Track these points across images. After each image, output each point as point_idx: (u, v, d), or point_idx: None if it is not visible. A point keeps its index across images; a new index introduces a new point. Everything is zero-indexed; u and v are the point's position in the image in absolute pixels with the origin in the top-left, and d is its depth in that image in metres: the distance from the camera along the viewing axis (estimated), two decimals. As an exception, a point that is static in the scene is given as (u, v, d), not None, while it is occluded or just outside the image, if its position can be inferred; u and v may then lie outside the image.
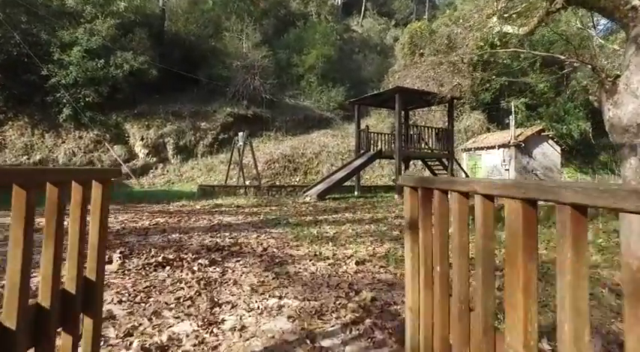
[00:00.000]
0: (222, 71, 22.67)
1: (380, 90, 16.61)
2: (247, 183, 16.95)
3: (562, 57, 13.21)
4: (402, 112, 13.72)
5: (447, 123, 15.48)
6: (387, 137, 15.87)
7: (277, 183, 17.73)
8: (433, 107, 22.82)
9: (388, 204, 11.69)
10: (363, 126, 16.07)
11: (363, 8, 42.01)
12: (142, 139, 19.19)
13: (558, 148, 20.07)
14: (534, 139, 19.19)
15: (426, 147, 14.60)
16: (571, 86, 25.85)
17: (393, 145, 15.43)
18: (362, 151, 14.83)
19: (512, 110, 20.16)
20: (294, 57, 27.26)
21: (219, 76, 22.60)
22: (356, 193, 14.93)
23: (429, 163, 15.81)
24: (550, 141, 19.90)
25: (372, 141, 15.13)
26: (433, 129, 14.75)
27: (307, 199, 12.13)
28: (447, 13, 24.47)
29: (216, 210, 9.20)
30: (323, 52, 26.61)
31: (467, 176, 16.17)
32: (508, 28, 14.66)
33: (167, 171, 19.22)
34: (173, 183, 18.33)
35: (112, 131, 18.87)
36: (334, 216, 8.37)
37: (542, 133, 19.56)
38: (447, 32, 24.35)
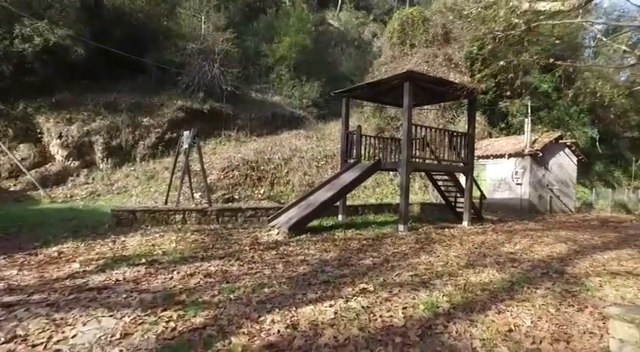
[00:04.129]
0: (175, 56, 18.32)
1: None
2: (198, 195, 12.83)
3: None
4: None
5: (467, 127, 11.87)
6: (387, 142, 12.12)
7: (233, 204, 13.67)
8: (426, 106, 19.45)
9: (396, 241, 7.92)
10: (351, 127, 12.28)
11: (340, 1, 38.74)
12: (61, 137, 14.62)
13: (575, 159, 17.00)
14: (551, 148, 16.00)
15: (433, 156, 10.95)
16: (575, 88, 23.18)
17: (393, 154, 11.72)
18: (352, 160, 11.00)
19: (529, 112, 16.92)
20: (263, 46, 23.21)
21: (169, 61, 18.24)
22: (340, 218, 11.09)
23: (436, 177, 12.18)
24: (567, 151, 16.79)
25: (366, 147, 11.35)
26: (447, 134, 11.09)
27: (274, 233, 8.17)
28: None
29: (94, 283, 5.12)
30: (297, 40, 22.67)
31: (483, 197, 12.64)
32: (543, 5, 11.33)
33: (93, 179, 14.73)
34: (99, 195, 13.89)
35: (16, 125, 14.24)
36: (330, 292, 4.48)
37: (560, 141, 16.40)
38: (442, 21, 21.04)
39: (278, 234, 8.16)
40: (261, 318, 3.62)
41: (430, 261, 6.29)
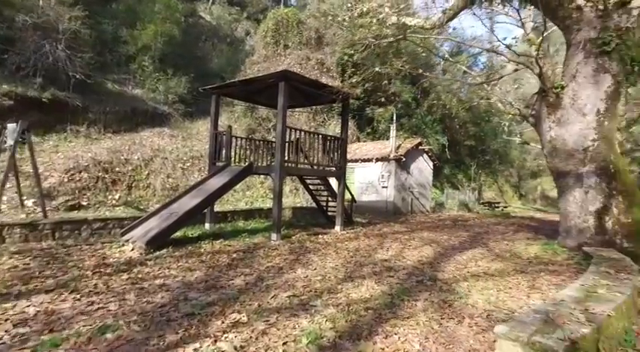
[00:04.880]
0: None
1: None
2: (31, 202, 10.46)
3: (505, 55, 11.07)
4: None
5: (340, 131, 11.89)
6: (259, 145, 11.50)
7: (76, 214, 11.57)
8: (298, 109, 19.45)
9: (269, 252, 7.37)
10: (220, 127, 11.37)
11: (212, -7, 36.88)
12: None
13: (431, 163, 18.77)
14: (412, 153, 17.34)
15: (306, 160, 10.74)
16: (429, 99, 25.82)
17: (266, 157, 11.16)
18: (221, 163, 10.12)
19: (394, 119, 18.02)
20: (123, 32, 20.49)
21: (-7, 35, 14.76)
22: (207, 226, 10.13)
23: (307, 180, 12.02)
24: (425, 156, 18.42)
25: (236, 150, 10.57)
26: (320, 137, 10.95)
27: (128, 250, 6.91)
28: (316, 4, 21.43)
29: None
30: (164, 29, 20.58)
31: (353, 200, 12.94)
32: (410, 20, 12.03)
33: None
34: None
35: None
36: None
37: (420, 147, 17.89)
38: (316, 25, 21.30)
39: (133, 249, 6.91)
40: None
41: (307, 275, 5.89)
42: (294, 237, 9.17)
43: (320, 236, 9.62)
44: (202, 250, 7.35)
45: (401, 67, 12.53)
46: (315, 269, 6.31)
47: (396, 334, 3.74)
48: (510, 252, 8.05)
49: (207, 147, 11.72)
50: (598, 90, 8.13)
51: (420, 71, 13.78)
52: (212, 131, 10.58)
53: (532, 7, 10.14)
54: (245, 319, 3.98)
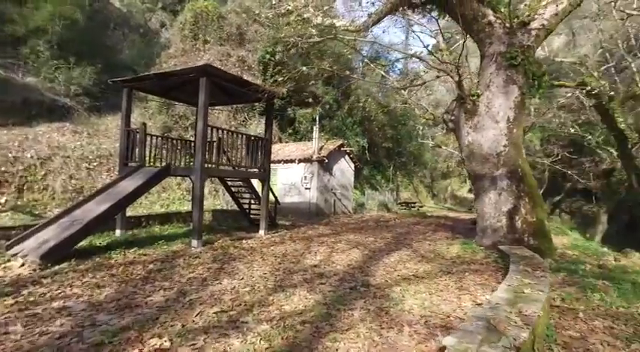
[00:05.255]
0: None
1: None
2: None
3: (428, 61, 11.35)
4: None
5: (264, 131, 11.41)
6: (177, 144, 10.64)
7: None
8: (218, 107, 18.61)
9: (191, 261, 6.76)
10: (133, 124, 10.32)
11: (122, -21, 33.97)
12: None
13: (352, 165, 19.07)
14: (335, 155, 17.45)
15: (229, 161, 10.17)
16: (350, 102, 26.32)
17: (184, 158, 10.36)
18: (135, 164, 9.16)
19: (317, 120, 17.95)
20: (9, 9, 17.88)
21: None
22: (118, 233, 9.12)
23: (229, 182, 11.41)
24: (347, 157, 18.66)
25: (151, 149, 9.64)
26: (243, 137, 10.39)
27: (17, 266, 5.86)
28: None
29: None
30: (63, 11, 18.37)
31: (277, 202, 12.55)
32: (335, 21, 11.98)
33: None
34: None
35: None
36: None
37: (342, 148, 18.07)
38: (238, 21, 20.51)
39: (23, 265, 5.88)
40: None
41: (234, 286, 5.44)
42: (216, 243, 8.58)
43: (244, 241, 9.14)
44: (113, 261, 6.51)
45: (323, 67, 12.50)
46: (242, 278, 5.87)
47: (337, 350, 3.50)
48: (434, 252, 8.30)
49: (118, 146, 10.58)
50: (508, 100, 8.74)
51: (347, 73, 13.85)
52: (123, 128, 9.53)
53: (447, 19, 10.65)
54: (167, 344, 3.46)
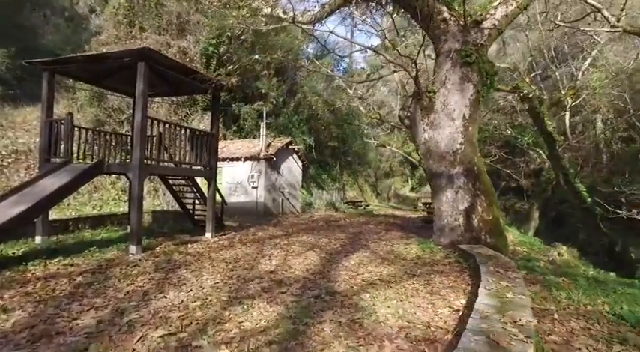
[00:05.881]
0: None
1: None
2: None
3: (387, 57, 10.98)
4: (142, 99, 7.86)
5: (209, 126, 10.51)
6: (109, 139, 9.48)
7: None
8: (158, 100, 17.29)
9: (129, 270, 5.90)
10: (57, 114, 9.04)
11: (43, -44, 30.72)
12: None
13: (300, 163, 18.57)
14: (283, 152, 16.84)
15: (171, 158, 9.24)
16: (296, 99, 25.77)
17: (120, 154, 9.26)
18: (60, 160, 7.97)
19: (264, 117, 17.19)
20: None
21: None
22: (39, 240, 7.89)
23: (171, 181, 10.43)
24: (295, 156, 18.12)
25: (80, 144, 8.47)
26: (188, 132, 9.47)
27: None
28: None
29: None
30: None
31: (224, 202, 11.70)
32: (286, 12, 11.41)
33: None
34: None
35: None
36: None
37: (290, 146, 17.50)
38: (178, 9, 19.15)
39: None
40: None
41: (182, 299, 4.72)
42: (158, 249, 7.68)
43: (190, 245, 8.30)
44: (30, 275, 5.48)
45: (276, 56, 11.89)
46: (190, 290, 5.14)
47: (316, 377, 2.98)
48: (393, 253, 8.03)
49: (39, 140, 9.22)
50: (464, 98, 8.71)
51: (301, 63, 13.32)
52: (44, 118, 8.26)
53: (402, 16, 10.51)
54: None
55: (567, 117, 20.43)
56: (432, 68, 9.98)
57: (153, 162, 8.57)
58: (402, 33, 13.01)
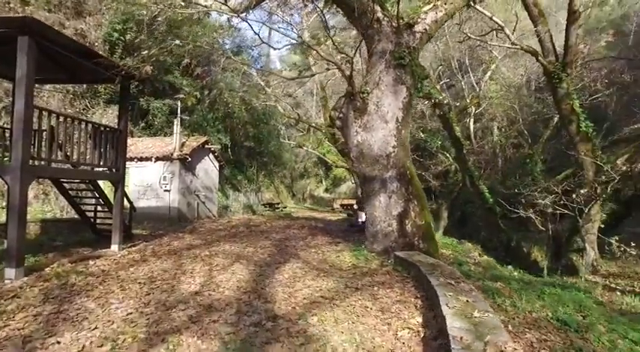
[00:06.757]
0: None
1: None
2: None
3: (320, 53, 10.26)
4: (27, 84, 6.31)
5: (117, 121, 9.03)
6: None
7: None
8: (49, 86, 14.87)
9: (2, 305, 4.61)
10: None
11: None
12: None
13: (217, 164, 17.38)
14: (198, 153, 15.56)
15: (67, 158, 7.75)
16: (211, 96, 24.24)
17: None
18: None
19: (179, 114, 15.67)
20: None
21: None
22: None
23: (67, 186, 8.83)
24: (211, 156, 16.89)
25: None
26: (89, 127, 8.00)
27: None
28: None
29: None
30: None
31: (133, 208, 10.22)
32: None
33: None
34: None
35: None
36: None
37: (206, 146, 16.24)
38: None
39: None
40: None
41: (83, 344, 3.68)
42: (49, 269, 6.27)
43: (92, 262, 6.97)
44: None
45: (198, 44, 10.77)
46: (95, 327, 4.09)
47: None
48: (327, 262, 7.55)
49: None
50: (397, 100, 8.58)
51: (229, 55, 12.39)
52: None
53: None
54: None
55: (472, 123, 22.07)
56: (364, 68, 9.76)
57: (42, 163, 7.07)
58: (331, 32, 12.67)
